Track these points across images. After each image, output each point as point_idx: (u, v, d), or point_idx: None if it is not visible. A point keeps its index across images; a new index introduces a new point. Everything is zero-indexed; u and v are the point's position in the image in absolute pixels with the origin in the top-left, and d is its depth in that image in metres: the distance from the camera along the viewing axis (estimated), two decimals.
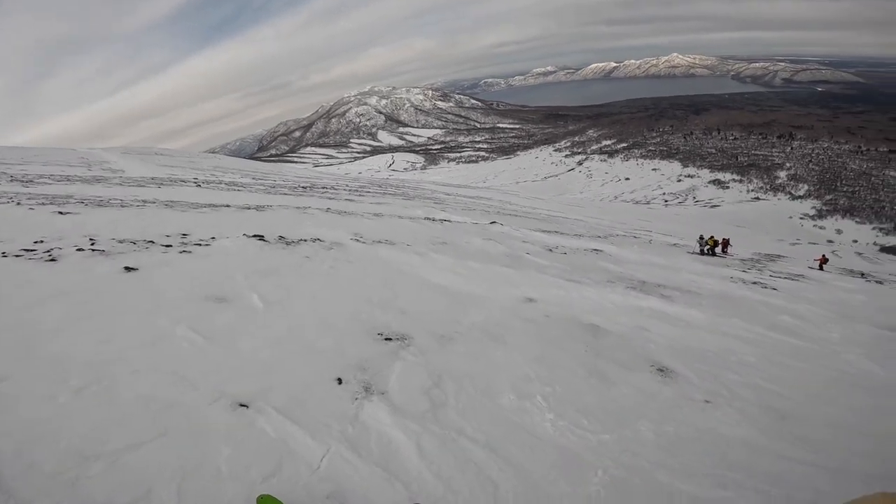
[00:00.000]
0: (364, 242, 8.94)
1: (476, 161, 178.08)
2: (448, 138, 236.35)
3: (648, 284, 8.68)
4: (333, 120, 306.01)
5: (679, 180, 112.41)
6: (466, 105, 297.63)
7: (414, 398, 3.75)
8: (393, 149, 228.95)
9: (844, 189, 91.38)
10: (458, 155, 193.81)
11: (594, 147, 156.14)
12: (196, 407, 3.22)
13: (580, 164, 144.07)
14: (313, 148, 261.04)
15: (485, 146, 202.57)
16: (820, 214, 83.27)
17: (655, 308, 6.95)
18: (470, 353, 4.69)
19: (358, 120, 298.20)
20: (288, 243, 8.07)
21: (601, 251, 12.74)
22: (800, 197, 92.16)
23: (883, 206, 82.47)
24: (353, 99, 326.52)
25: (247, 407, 3.30)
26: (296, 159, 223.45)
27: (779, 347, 6.05)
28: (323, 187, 25.91)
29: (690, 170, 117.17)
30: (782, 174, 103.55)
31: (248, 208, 12.08)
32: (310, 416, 3.30)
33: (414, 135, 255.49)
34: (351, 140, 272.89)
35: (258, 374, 3.78)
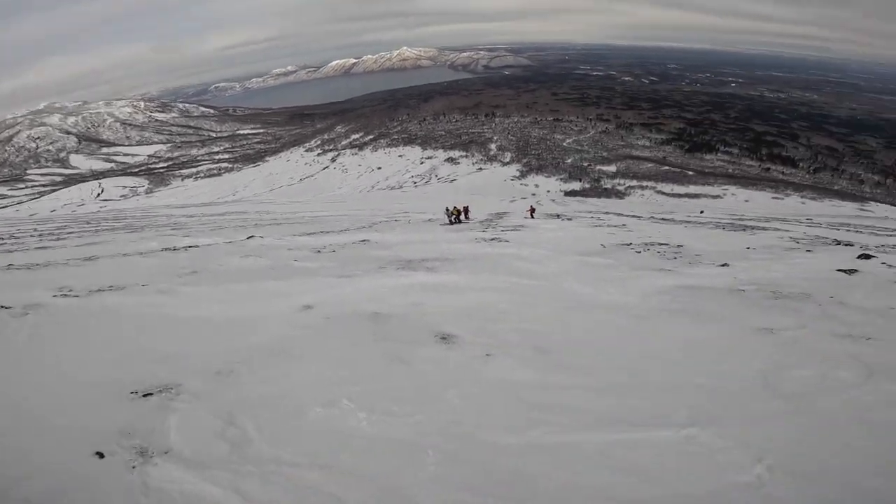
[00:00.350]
0: (77, 296, 6.68)
1: (219, 174, 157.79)
2: (177, 153, 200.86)
3: (414, 261, 9.38)
4: None
5: (422, 162, 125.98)
6: (195, 114, 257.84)
7: (208, 445, 3.21)
8: (98, 174, 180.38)
9: (533, 153, 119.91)
10: (195, 170, 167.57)
11: (344, 142, 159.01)
12: None
13: (333, 160, 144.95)
14: None
15: (227, 156, 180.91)
16: (522, 175, 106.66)
17: (423, 281, 7.59)
18: (259, 380, 4.21)
19: (35, 145, 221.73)
20: None
21: (368, 240, 13.10)
22: (507, 163, 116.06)
23: (558, 161, 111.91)
24: (21, 120, 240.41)
25: None
26: None
27: (522, 290, 7.41)
28: None
29: (429, 152, 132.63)
30: (493, 146, 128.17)
31: None
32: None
33: (127, 154, 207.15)
34: (28, 171, 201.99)
35: None
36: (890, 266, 8.86)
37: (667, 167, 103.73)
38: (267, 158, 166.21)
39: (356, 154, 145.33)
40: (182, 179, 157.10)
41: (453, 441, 3.33)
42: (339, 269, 8.54)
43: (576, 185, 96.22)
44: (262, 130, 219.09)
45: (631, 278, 8.44)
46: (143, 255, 11.06)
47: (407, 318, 5.81)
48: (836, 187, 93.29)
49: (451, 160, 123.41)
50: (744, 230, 16.92)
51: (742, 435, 3.26)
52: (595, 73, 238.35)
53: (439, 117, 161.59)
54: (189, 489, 2.79)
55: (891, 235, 16.10)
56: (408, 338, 5.16)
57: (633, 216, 26.45)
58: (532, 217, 24.28)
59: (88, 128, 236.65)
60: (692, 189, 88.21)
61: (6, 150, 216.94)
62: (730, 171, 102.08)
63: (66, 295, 6.79)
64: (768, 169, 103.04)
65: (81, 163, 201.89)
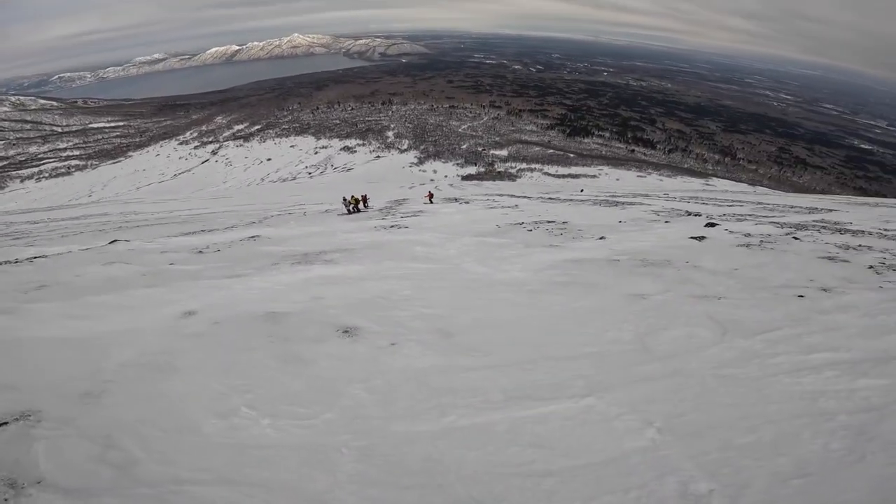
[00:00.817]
0: None
1: (69, 172, 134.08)
2: (12, 152, 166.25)
3: (310, 255, 8.90)
4: None
5: (316, 152, 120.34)
6: (33, 107, 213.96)
7: (88, 472, 2.81)
8: None
9: (430, 139, 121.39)
10: (37, 170, 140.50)
11: (227, 133, 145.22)
12: None
13: (214, 153, 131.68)
14: None
15: (77, 153, 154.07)
16: (420, 161, 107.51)
17: (322, 274, 7.26)
18: (137, 398, 3.72)
19: None
20: None
21: (259, 236, 12.15)
22: (405, 150, 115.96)
23: (454, 147, 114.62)
24: None
25: None
26: None
27: (423, 274, 7.45)
28: None
29: (324, 141, 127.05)
30: (390, 134, 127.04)
31: None
32: None
33: None
34: None
35: None
36: (731, 232, 10.59)
37: (552, 150, 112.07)
38: (130, 154, 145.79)
39: (241, 146, 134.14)
40: (21, 181, 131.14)
41: (365, 436, 3.27)
42: (227, 269, 7.77)
43: (472, 170, 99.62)
44: (122, 123, 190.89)
45: (524, 255, 8.97)
46: None
47: (306, 314, 5.51)
48: (685, 165, 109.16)
49: (347, 149, 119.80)
50: (616, 206, 18.93)
51: (631, 400, 3.61)
52: (488, 62, 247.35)
53: (334, 106, 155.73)
54: None
55: (731, 206, 19.21)
56: (308, 335, 4.90)
57: (525, 197, 28.11)
58: (430, 202, 24.61)
59: None
60: (574, 170, 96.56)
61: None
62: (603, 152, 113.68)
63: None
64: (633, 151, 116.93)
65: None
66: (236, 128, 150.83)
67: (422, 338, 4.91)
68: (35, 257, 10.57)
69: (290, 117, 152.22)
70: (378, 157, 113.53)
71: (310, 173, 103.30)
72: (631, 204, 19.61)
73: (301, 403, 3.64)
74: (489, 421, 3.45)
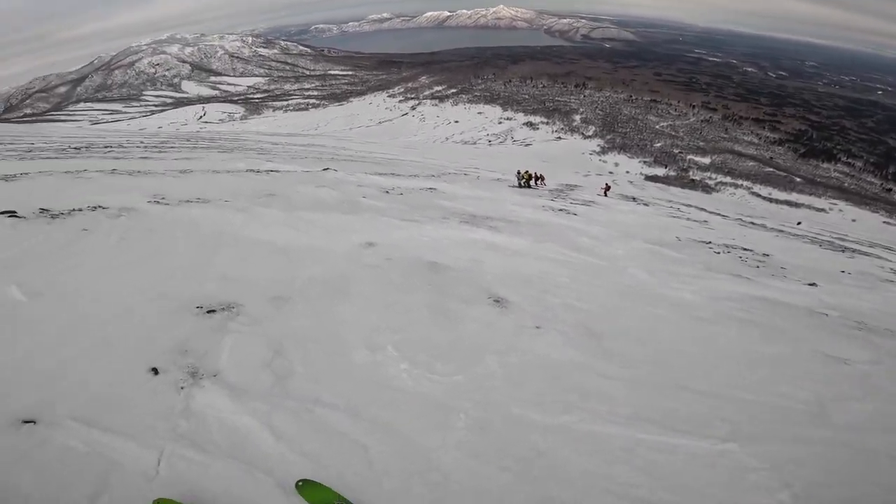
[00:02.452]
0: (167, 204, 7.31)
1: (306, 108, 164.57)
2: (273, 86, 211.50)
3: (478, 217, 9.24)
4: (117, 72, 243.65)
5: (500, 122, 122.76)
6: (294, 52, 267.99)
7: (254, 374, 3.30)
8: (204, 99, 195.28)
9: (620, 130, 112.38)
10: (286, 103, 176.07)
11: (427, 93, 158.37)
12: None
13: (414, 108, 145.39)
14: (90, 104, 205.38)
15: (315, 93, 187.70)
16: (603, 151, 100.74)
17: (486, 239, 7.44)
18: (312, 313, 4.29)
19: (153, 70, 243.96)
20: (54, 216, 6.07)
21: (435, 189, 13.07)
22: (589, 136, 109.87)
23: (646, 143, 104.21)
24: (145, 48, 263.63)
25: (34, 423, 2.57)
26: (63, 118, 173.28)
27: (583, 267, 7.08)
28: (106, 146, 20.64)
29: (509, 113, 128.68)
30: (577, 118, 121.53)
31: None
32: (126, 420, 2.73)
33: (231, 84, 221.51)
34: (144, 93, 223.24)
35: (37, 384, 2.90)
36: None
37: (771, 169, 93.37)
38: (351, 99, 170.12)
39: (436, 105, 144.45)
40: (273, 111, 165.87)
41: (484, 409, 3.28)
42: (405, 212, 8.61)
43: (659, 171, 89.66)
44: (350, 73, 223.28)
45: (702, 278, 7.79)
46: (231, 173, 11.88)
47: (464, 273, 5.71)
48: None
49: (529, 125, 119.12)
50: (842, 251, 14.99)
51: (778, 459, 3.03)
52: (711, 59, 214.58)
53: (526, 81, 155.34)
54: (227, 419, 2.86)
55: None
56: (462, 294, 5.08)
57: (719, 214, 24.22)
58: (605, 195, 23.04)
59: (201, 58, 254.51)
60: (795, 197, 79.13)
61: (127, 73, 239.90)
62: (845, 184, 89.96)
63: (158, 202, 7.42)
64: (889, 190, 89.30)
65: (192, 88, 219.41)
66: (435, 88, 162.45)
67: (567, 330, 4.70)
68: (271, 171, 13.40)
69: (483, 86, 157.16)
70: (559, 138, 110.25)
71: (489, 141, 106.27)
72: (864, 254, 15.30)
73: (439, 358, 3.78)
74: (608, 433, 3.18)
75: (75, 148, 18.85)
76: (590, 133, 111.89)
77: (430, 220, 8.26)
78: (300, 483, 2.42)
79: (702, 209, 27.21)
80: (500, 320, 4.66)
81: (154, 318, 3.84)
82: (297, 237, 6.39)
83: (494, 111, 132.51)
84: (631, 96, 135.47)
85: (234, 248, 5.76)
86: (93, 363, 3.17)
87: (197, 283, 4.55)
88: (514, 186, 19.62)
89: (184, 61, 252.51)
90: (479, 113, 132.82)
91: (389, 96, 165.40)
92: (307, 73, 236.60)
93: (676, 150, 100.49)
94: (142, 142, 25.76)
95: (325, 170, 14.40)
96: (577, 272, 6.68)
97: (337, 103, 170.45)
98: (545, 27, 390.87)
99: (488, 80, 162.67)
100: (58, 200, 7.02)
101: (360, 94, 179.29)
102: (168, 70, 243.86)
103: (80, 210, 6.50)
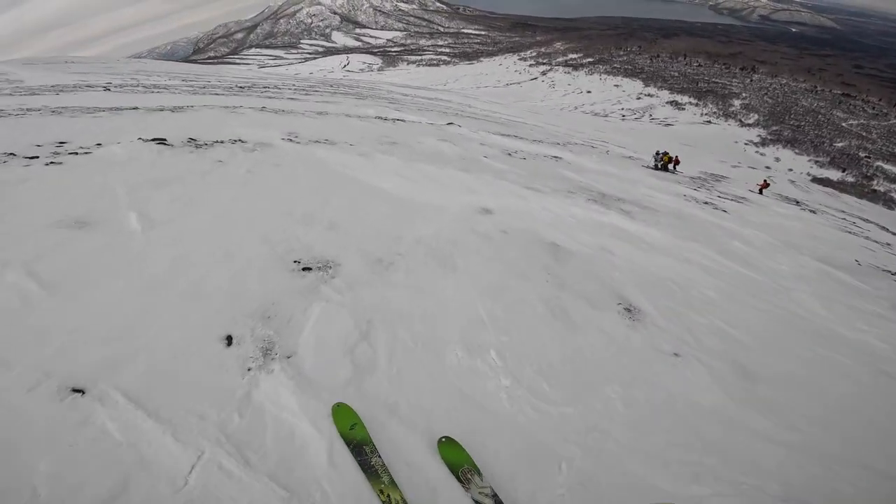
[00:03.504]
0: (298, 142, 7.52)
1: (437, 65, 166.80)
2: (409, 41, 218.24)
3: (608, 197, 8.03)
4: (282, 21, 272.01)
5: (638, 98, 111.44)
6: (430, 8, 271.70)
7: (332, 362, 2.75)
8: (348, 50, 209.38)
9: (791, 122, 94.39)
10: (419, 58, 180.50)
11: (560, 59, 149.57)
12: (3, 399, 2.12)
13: (544, 74, 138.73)
14: (259, 49, 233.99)
15: (447, 50, 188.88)
16: (763, 142, 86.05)
17: (617, 225, 6.28)
18: (412, 285, 3.73)
19: (310, 20, 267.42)
20: (198, 146, 6.42)
21: (561, 158, 11.91)
22: (749, 125, 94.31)
23: (823, 141, 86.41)
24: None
25: (82, 393, 2.22)
26: (237, 61, 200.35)
27: (736, 280, 5.67)
28: (266, 87, 22.76)
29: (651, 89, 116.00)
30: (737, 102, 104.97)
31: (162, 109, 9.80)
32: (177, 404, 2.28)
33: (372, 36, 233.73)
34: (302, 41, 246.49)
35: (110, 338, 2.59)
36: None
37: None
38: (481, 59, 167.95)
39: (568, 73, 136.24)
40: (407, 64, 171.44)
41: (595, 460, 2.48)
42: (528, 178, 7.75)
43: (832, 174, 74.57)
44: (483, 32, 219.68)
45: (892, 321, 5.89)
46: (361, 118, 12.09)
47: (590, 264, 4.76)
48: None
49: (674, 104, 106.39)
50: None
51: None
52: None
53: (678, 58, 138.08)
54: (286, 422, 2.35)
55: None
56: (586, 292, 4.15)
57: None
58: (760, 193, 19.47)
59: (350, 10, 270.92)
60: None
61: (290, 23, 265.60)
62: None
63: (291, 140, 7.61)
64: None
65: (340, 39, 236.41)
66: (570, 56, 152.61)
67: (713, 363, 3.63)
68: (397, 120, 13.41)
69: (624, 58, 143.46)
70: (708, 122, 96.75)
71: (623, 116, 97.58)
72: None
73: (549, 377, 3.01)
74: None
75: (240, 87, 21.06)
76: (750, 121, 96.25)
77: (554, 191, 7.29)
78: (443, 439, 2.33)
79: (885, 229, 21.74)
80: (630, 337, 3.66)
81: (250, 268, 3.56)
82: (411, 189, 5.97)
83: (634, 85, 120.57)
84: (815, 87, 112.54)
85: (347, 192, 5.53)
86: (171, 319, 2.85)
87: (303, 231, 4.31)
88: (648, 167, 17.38)
89: (335, 13, 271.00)
90: (616, 86, 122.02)
91: (520, 59, 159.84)
92: (441, 30, 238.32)
93: (863, 154, 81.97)
94: (294, 85, 28.01)
95: (448, 124, 14.02)
96: (729, 286, 5.35)
97: (467, 62, 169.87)
98: (711, 3, 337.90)
99: (632, 52, 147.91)
100: (207, 132, 7.56)
101: (491, 54, 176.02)
102: (322, 21, 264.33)
103: (222, 142, 6.83)
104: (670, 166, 18.37)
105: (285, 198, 5.06)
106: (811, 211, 17.72)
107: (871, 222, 23.09)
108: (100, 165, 5.15)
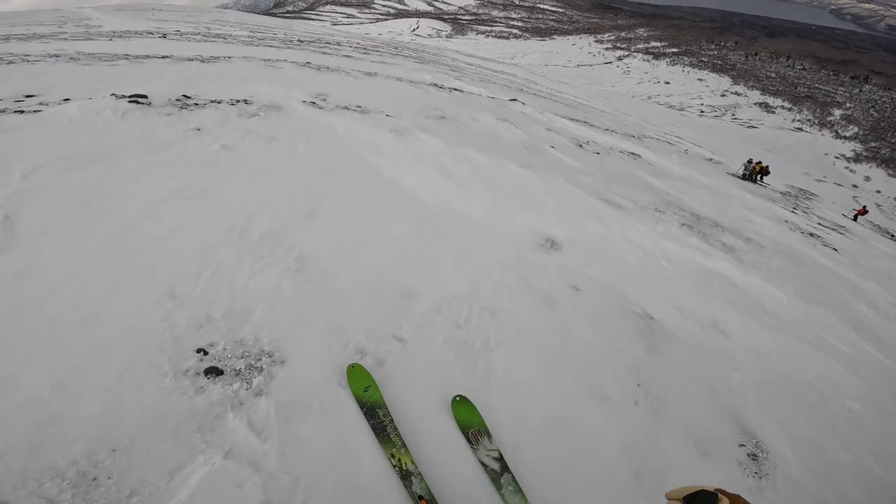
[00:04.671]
0: (321, 108, 6.10)
1: (507, 38, 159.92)
2: (481, 11, 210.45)
3: (704, 221, 6.21)
4: None
5: (723, 95, 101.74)
6: None
7: None
8: (420, 14, 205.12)
9: (894, 140, 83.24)
10: (490, 28, 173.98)
11: (640, 46, 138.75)
12: None
13: (620, 59, 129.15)
14: (334, 7, 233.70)
15: (520, 24, 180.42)
16: (857, 158, 76.54)
17: (726, 275, 4.41)
18: (407, 423, 2.11)
19: None
20: (184, 107, 5.17)
21: (639, 156, 9.96)
22: (845, 137, 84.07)
23: None
24: None
25: None
26: (313, 17, 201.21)
27: (878, 375, 3.90)
28: (327, 43, 21.67)
29: (739, 88, 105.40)
30: (837, 112, 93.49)
31: (192, 60, 8.65)
32: None
33: (445, 2, 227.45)
34: (376, 1, 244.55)
35: None
36: None
37: None
38: (554, 37, 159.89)
39: (647, 61, 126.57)
40: (476, 34, 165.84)
41: None
42: (605, 185, 6.07)
43: None
44: (561, 10, 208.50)
45: None
46: (413, 84, 10.60)
47: (698, 355, 3.04)
48: None
49: (764, 105, 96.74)
50: None
51: None
52: None
53: (779, 58, 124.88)
54: None
55: None
56: (694, 420, 2.50)
57: None
58: (855, 220, 16.70)
59: None
60: None
61: None
62: None
63: (314, 103, 6.25)
64: None
65: (412, 2, 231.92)
66: (652, 43, 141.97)
67: None
68: (454, 90, 11.80)
69: (714, 52, 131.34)
70: (799, 128, 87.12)
71: (702, 111, 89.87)
72: None
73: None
74: None
75: (300, 41, 20.07)
76: (847, 133, 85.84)
77: (641, 209, 5.55)
78: (458, 398, 2.16)
79: None
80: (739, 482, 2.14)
81: (104, 365, 1.94)
82: (449, 191, 4.42)
83: (720, 81, 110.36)
84: None
85: (357, 191, 3.99)
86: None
87: (248, 269, 2.69)
88: (734, 175, 14.91)
89: None
90: (700, 80, 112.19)
91: (596, 41, 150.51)
92: (516, 2, 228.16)
93: None
94: (358, 44, 26.77)
95: (511, 100, 12.28)
96: (872, 388, 3.57)
97: (539, 38, 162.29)
98: (833, 6, 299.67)
99: (725, 47, 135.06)
100: (215, 88, 6.24)
101: (566, 33, 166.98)
102: None
103: (221, 102, 5.51)
104: (758, 177, 15.79)
105: (249, 198, 3.42)
106: None
107: None
108: (37, 129, 3.95)
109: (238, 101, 5.69)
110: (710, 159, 17.90)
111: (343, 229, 3.34)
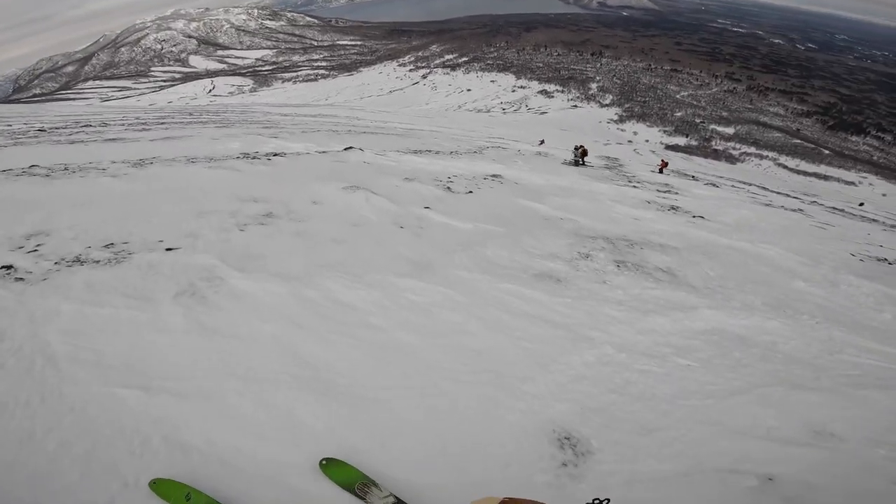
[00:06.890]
0: (21, 279, 3.16)
1: (315, 79, 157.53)
2: (281, 58, 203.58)
3: (618, 244, 5.07)
4: (123, 49, 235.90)
5: (514, 91, 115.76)
6: (301, 23, 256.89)
7: None
8: (212, 73, 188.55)
9: (638, 99, 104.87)
10: (295, 74, 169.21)
11: (437, 61, 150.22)
12: None
13: (424, 77, 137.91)
14: (99, 81, 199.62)
15: (324, 64, 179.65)
16: (621, 119, 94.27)
17: (684, 327, 3.28)
18: None
19: (160, 46, 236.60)
20: None
21: (501, 177, 8.92)
22: (606, 105, 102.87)
23: (665, 113, 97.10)
24: (150, 25, 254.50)
25: None
26: (72, 96, 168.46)
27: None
28: (85, 126, 16.58)
29: (523, 81, 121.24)
30: (594, 86, 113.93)
31: None
32: None
33: (238, 57, 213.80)
34: (153, 69, 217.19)
35: None
36: None
37: (798, 141, 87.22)
38: (361, 69, 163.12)
39: (447, 74, 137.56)
40: (282, 82, 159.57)
41: None
42: (509, 243, 4.42)
43: (680, 140, 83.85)
44: (359, 43, 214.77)
45: None
46: (214, 163, 7.66)
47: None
48: None
49: (544, 93, 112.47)
50: None
51: None
52: (736, 30, 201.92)
53: (540, 49, 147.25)
54: None
55: None
56: None
57: (781, 193, 19.83)
58: (661, 172, 19.06)
59: (207, 33, 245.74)
60: (823, 169, 73.35)
61: (134, 51, 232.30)
62: (874, 158, 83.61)
63: (8, 273, 3.35)
64: None
65: (199, 63, 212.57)
66: (446, 57, 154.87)
67: None
68: (274, 154, 9.17)
69: (495, 54, 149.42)
70: (575, 106, 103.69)
71: (503, 109, 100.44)
72: None
73: None
74: None
75: (40, 130, 14.93)
76: (607, 101, 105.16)
77: (573, 268, 4.00)
78: (324, 462, 2.05)
79: (746, 183, 22.41)
80: None
81: None
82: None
83: (508, 79, 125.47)
84: (650, 65, 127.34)
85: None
86: None
87: None
88: (567, 163, 15.41)
89: (190, 36, 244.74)
90: (492, 81, 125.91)
91: (399, 65, 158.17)
92: (315, 43, 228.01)
93: (698, 120, 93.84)
94: (136, 118, 21.60)
95: (347, 149, 10.26)
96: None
97: (346, 73, 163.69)
98: None
99: (501, 48, 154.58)
100: None
101: (370, 63, 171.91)
102: (175, 46, 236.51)
103: None
104: (583, 159, 16.75)
105: None
106: (714, 185, 17.20)
107: (749, 184, 24.02)
108: None
109: None
110: (539, 153, 18.51)
111: None
